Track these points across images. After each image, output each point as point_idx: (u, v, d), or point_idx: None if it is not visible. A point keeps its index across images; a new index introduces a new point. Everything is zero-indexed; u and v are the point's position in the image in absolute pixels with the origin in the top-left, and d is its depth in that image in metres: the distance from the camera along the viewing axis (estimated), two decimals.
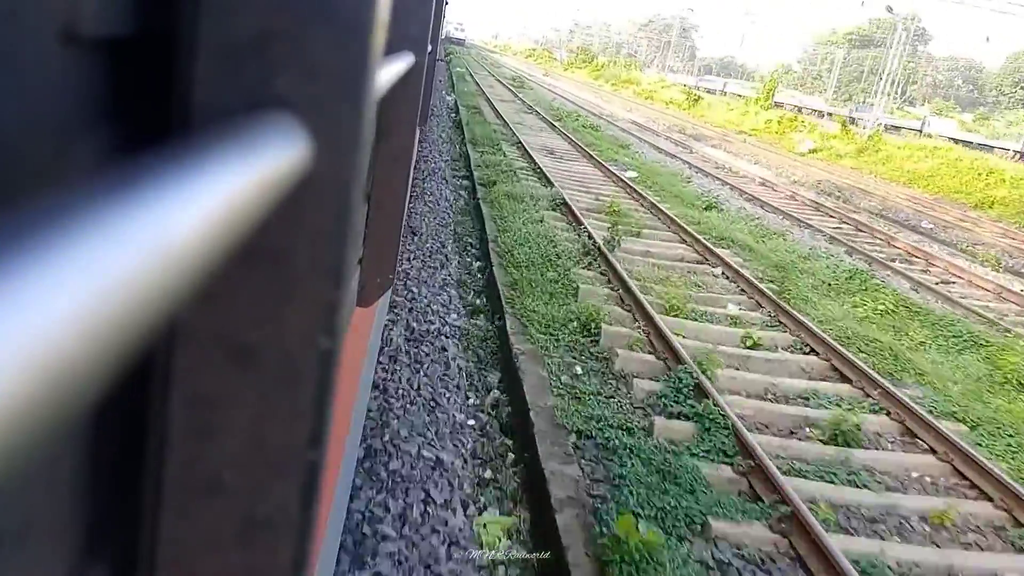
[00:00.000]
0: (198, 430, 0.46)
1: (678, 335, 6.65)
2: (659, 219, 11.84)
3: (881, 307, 8.98)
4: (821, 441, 5.55)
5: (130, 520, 0.48)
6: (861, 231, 15.20)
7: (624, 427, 5.16)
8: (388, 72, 1.09)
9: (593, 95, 49.40)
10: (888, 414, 6.11)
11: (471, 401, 5.63)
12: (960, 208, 22.51)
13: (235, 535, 0.49)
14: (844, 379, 6.66)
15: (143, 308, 0.22)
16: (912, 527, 4.76)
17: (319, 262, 0.45)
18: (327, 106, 0.43)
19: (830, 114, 49.55)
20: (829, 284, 9.77)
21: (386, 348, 5.93)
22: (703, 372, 5.83)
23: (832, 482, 5.02)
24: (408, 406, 5.25)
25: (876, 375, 6.54)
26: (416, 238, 9.06)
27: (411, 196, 7.31)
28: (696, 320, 7.42)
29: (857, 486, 5.04)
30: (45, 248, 0.19)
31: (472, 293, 7.84)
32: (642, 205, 12.82)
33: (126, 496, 0.48)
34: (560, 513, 4.03)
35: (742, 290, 8.75)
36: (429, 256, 8.60)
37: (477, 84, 34.25)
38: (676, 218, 11.50)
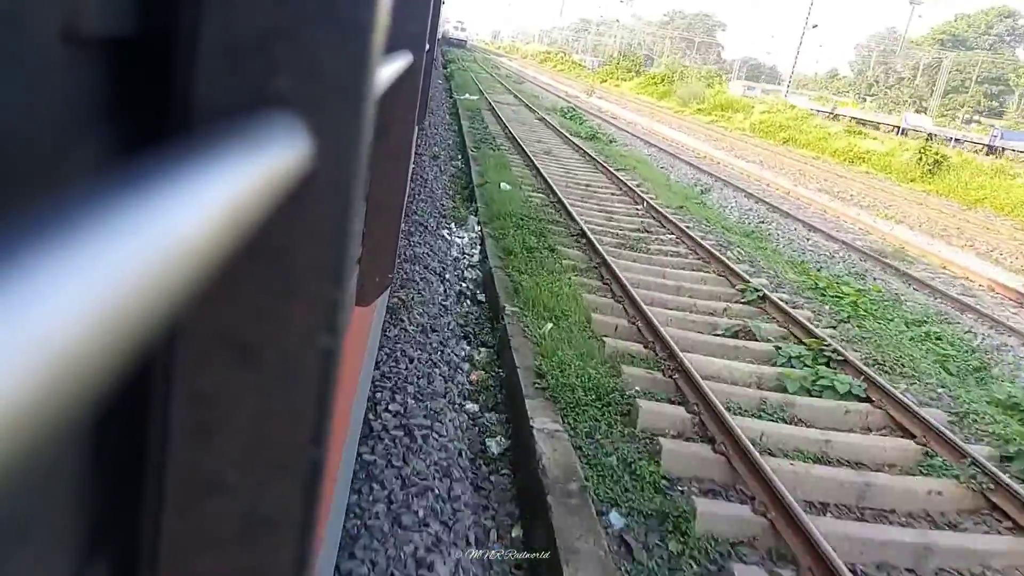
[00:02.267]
0: (199, 428, 0.46)
1: None
2: None
3: None
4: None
5: (132, 518, 0.48)
6: None
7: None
8: (387, 71, 1.09)
9: (715, 145, 26.22)
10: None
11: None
12: None
13: (237, 534, 0.49)
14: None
15: (145, 307, 0.22)
16: None
17: (320, 260, 0.45)
18: (328, 105, 0.43)
19: (954, 140, 31.23)
20: None
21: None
22: None
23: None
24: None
25: None
26: None
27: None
28: None
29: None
30: (47, 248, 0.19)
31: None
32: None
33: (128, 495, 0.48)
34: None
35: None
36: None
37: (512, 138, 16.35)
38: None
